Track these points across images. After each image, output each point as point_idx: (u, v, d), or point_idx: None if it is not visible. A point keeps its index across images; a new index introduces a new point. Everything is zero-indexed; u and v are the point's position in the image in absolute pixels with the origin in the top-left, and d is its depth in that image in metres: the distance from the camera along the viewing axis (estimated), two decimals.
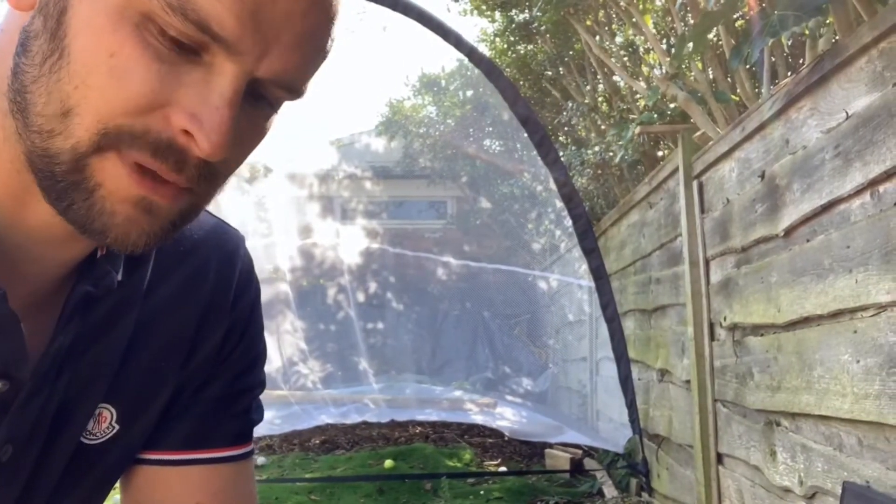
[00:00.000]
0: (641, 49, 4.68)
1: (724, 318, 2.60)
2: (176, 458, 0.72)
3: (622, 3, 3.86)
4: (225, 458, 0.74)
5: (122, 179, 0.49)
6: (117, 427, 0.68)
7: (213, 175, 0.53)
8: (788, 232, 2.05)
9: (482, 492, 4.13)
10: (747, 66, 2.80)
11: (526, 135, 4.17)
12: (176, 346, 0.71)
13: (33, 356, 0.59)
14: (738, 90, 3.01)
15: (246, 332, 0.76)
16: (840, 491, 1.68)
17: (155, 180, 0.50)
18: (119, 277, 0.64)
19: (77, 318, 0.61)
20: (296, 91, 0.54)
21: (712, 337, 2.76)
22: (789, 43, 3.06)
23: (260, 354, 0.79)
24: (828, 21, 2.12)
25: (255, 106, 0.53)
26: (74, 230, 0.52)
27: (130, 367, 0.67)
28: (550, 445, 4.90)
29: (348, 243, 7.12)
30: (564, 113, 5.30)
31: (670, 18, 4.13)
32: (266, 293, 6.15)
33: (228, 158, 0.53)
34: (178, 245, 0.71)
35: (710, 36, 2.84)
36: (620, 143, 4.04)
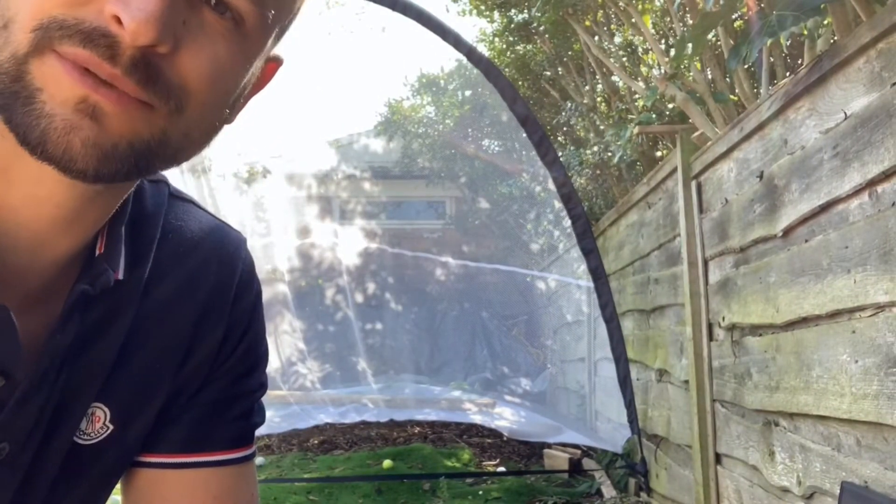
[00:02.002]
0: (640, 49, 4.68)
1: (723, 319, 2.60)
2: (176, 461, 0.71)
3: (621, 4, 3.86)
4: (226, 462, 0.73)
5: (62, 79, 0.47)
6: (111, 427, 0.67)
7: (172, 88, 0.50)
8: (787, 232, 2.05)
9: (481, 492, 4.13)
10: (745, 67, 2.81)
11: (525, 135, 4.18)
12: (173, 347, 0.70)
13: (31, 354, 0.58)
14: (737, 90, 3.01)
15: (246, 333, 0.76)
16: (838, 491, 1.68)
17: (97, 80, 0.47)
18: (119, 276, 0.63)
19: (76, 317, 0.61)
20: None
21: (711, 337, 2.76)
22: (788, 43, 3.07)
23: (261, 357, 0.79)
24: (826, 21, 2.12)
25: (213, 10, 0.52)
26: (26, 150, 0.49)
27: (125, 367, 0.66)
28: (549, 445, 4.90)
29: (347, 244, 7.11)
30: (563, 113, 5.30)
31: (669, 19, 4.13)
32: (264, 293, 6.13)
33: (186, 71, 0.50)
34: (177, 245, 0.70)
35: (709, 36, 2.84)
36: (619, 143, 4.05)
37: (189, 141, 0.55)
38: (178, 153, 0.56)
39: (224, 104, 0.57)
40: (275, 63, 0.64)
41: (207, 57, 0.52)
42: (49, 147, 0.48)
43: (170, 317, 0.69)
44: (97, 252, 0.62)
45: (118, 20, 0.47)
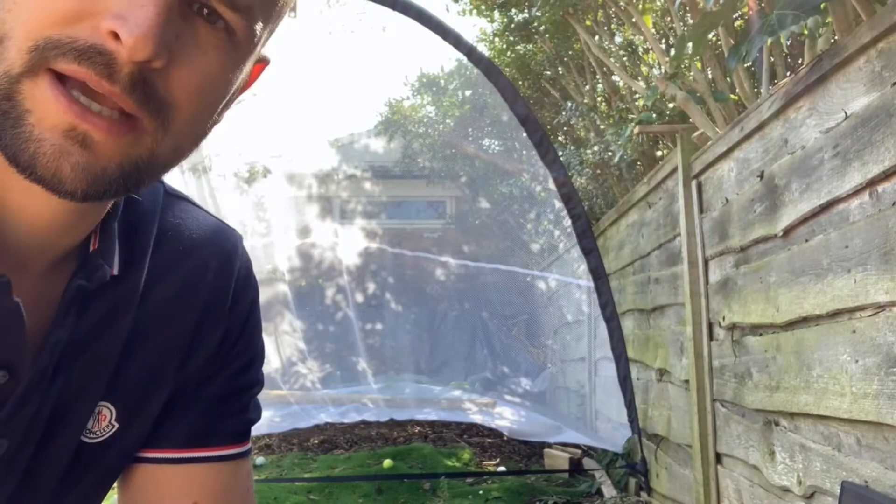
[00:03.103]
0: (640, 49, 4.68)
1: (723, 318, 2.60)
2: (173, 456, 0.72)
3: (621, 3, 3.86)
4: (222, 457, 0.74)
5: (50, 105, 0.47)
6: (117, 425, 0.68)
7: (162, 104, 0.51)
8: (787, 232, 2.05)
9: (481, 491, 4.13)
10: (746, 66, 2.80)
11: (525, 134, 4.18)
12: (174, 345, 0.70)
13: (32, 351, 0.59)
14: (737, 90, 3.01)
15: (244, 331, 0.76)
16: (839, 491, 1.68)
17: (85, 109, 0.48)
18: (115, 271, 0.63)
19: (73, 314, 0.61)
20: (237, 7, 0.53)
21: (711, 337, 2.76)
22: (788, 43, 3.07)
23: (258, 353, 0.79)
24: (827, 21, 2.12)
25: (204, 22, 0.52)
26: (31, 180, 0.49)
27: (129, 365, 0.67)
28: (549, 445, 4.90)
29: (347, 243, 7.11)
30: (563, 113, 5.30)
31: (669, 18, 4.13)
32: (265, 293, 6.16)
33: (177, 85, 0.51)
34: (176, 244, 0.71)
35: (710, 36, 2.84)
36: (619, 142, 4.05)
37: (178, 153, 0.56)
38: (167, 166, 0.56)
39: (213, 113, 0.57)
40: (262, 63, 0.64)
41: (199, 70, 0.52)
42: (39, 170, 0.49)
43: (171, 314, 0.70)
44: (91, 248, 0.62)
45: (115, 35, 0.47)
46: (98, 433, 0.67)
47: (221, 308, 0.74)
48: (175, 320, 0.70)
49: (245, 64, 0.58)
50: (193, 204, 0.76)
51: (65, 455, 0.65)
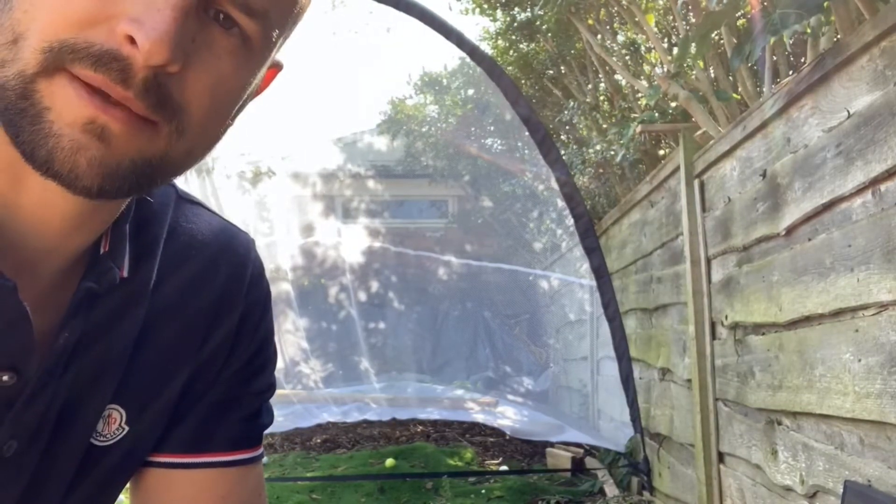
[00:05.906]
0: (643, 48, 4.68)
1: (726, 317, 2.60)
2: (184, 461, 0.72)
3: (624, 2, 3.86)
4: (233, 462, 0.73)
5: (70, 100, 0.47)
6: (127, 428, 0.68)
7: (176, 108, 0.51)
8: (790, 231, 2.05)
9: (483, 491, 4.13)
10: (748, 65, 2.80)
11: (527, 134, 4.18)
12: (185, 347, 0.70)
13: (39, 352, 0.59)
14: (740, 89, 3.00)
15: (256, 333, 0.76)
16: (841, 490, 1.68)
17: (105, 100, 0.48)
18: (125, 273, 0.63)
19: (82, 315, 0.61)
20: (253, 13, 0.53)
21: (713, 336, 2.76)
22: (791, 42, 3.06)
23: (270, 357, 0.79)
24: (830, 19, 2.12)
25: (220, 27, 0.52)
26: (35, 169, 0.50)
27: (138, 367, 0.67)
28: (552, 444, 4.90)
29: (350, 242, 7.12)
30: (566, 112, 5.29)
31: (672, 17, 4.13)
32: None
33: (191, 91, 0.51)
34: (188, 247, 0.70)
35: (712, 35, 2.84)
36: (622, 141, 4.04)
37: (191, 157, 0.56)
38: (179, 168, 0.56)
39: (226, 118, 0.58)
40: (275, 69, 0.64)
41: (213, 76, 0.52)
42: (55, 165, 0.49)
43: (181, 317, 0.70)
44: (102, 250, 0.62)
45: (131, 40, 0.47)
46: (108, 436, 0.67)
47: (232, 309, 0.73)
48: (185, 322, 0.70)
49: (259, 70, 0.58)
50: (206, 208, 0.76)
51: (73, 457, 0.65)
